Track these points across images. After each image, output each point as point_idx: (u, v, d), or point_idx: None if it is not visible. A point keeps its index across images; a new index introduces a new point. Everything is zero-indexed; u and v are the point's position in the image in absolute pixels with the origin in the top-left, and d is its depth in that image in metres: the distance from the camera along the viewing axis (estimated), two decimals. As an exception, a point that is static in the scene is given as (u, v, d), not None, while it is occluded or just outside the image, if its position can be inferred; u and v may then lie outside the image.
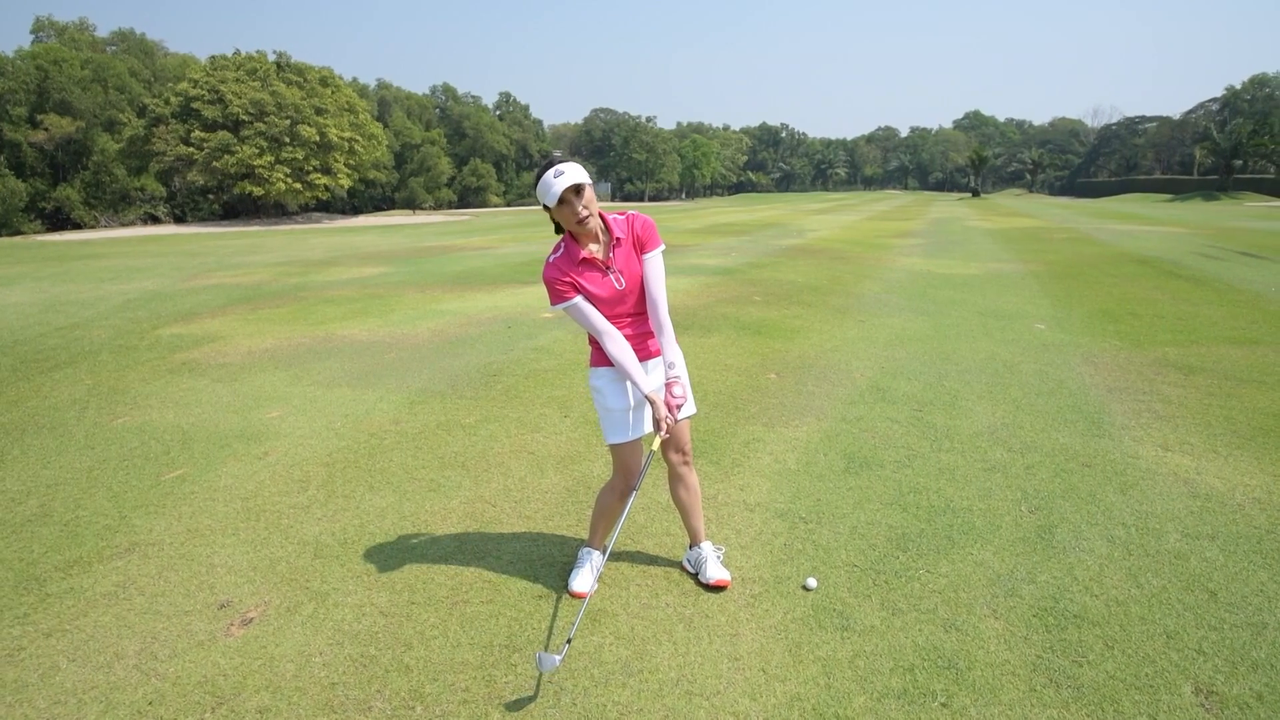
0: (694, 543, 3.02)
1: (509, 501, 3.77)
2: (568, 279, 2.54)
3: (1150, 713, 2.22)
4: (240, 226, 39.03)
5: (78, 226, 39.22)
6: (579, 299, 2.56)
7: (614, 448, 2.78)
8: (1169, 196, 67.14)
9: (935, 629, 2.64)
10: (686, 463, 2.87)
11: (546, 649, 2.54)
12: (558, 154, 2.44)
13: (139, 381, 6.21)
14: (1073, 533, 3.34)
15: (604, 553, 2.84)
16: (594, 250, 2.55)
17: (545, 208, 2.47)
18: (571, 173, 2.37)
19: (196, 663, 2.50)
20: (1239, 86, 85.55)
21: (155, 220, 42.92)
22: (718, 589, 2.90)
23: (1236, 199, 59.99)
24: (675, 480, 2.91)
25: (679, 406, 2.64)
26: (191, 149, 38.99)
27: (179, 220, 44.30)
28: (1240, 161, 68.49)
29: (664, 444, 2.86)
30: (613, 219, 2.57)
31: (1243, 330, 7.78)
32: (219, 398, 5.68)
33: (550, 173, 2.37)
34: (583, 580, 2.91)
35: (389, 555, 3.22)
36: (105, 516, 3.65)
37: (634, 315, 2.69)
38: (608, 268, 2.56)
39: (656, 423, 2.62)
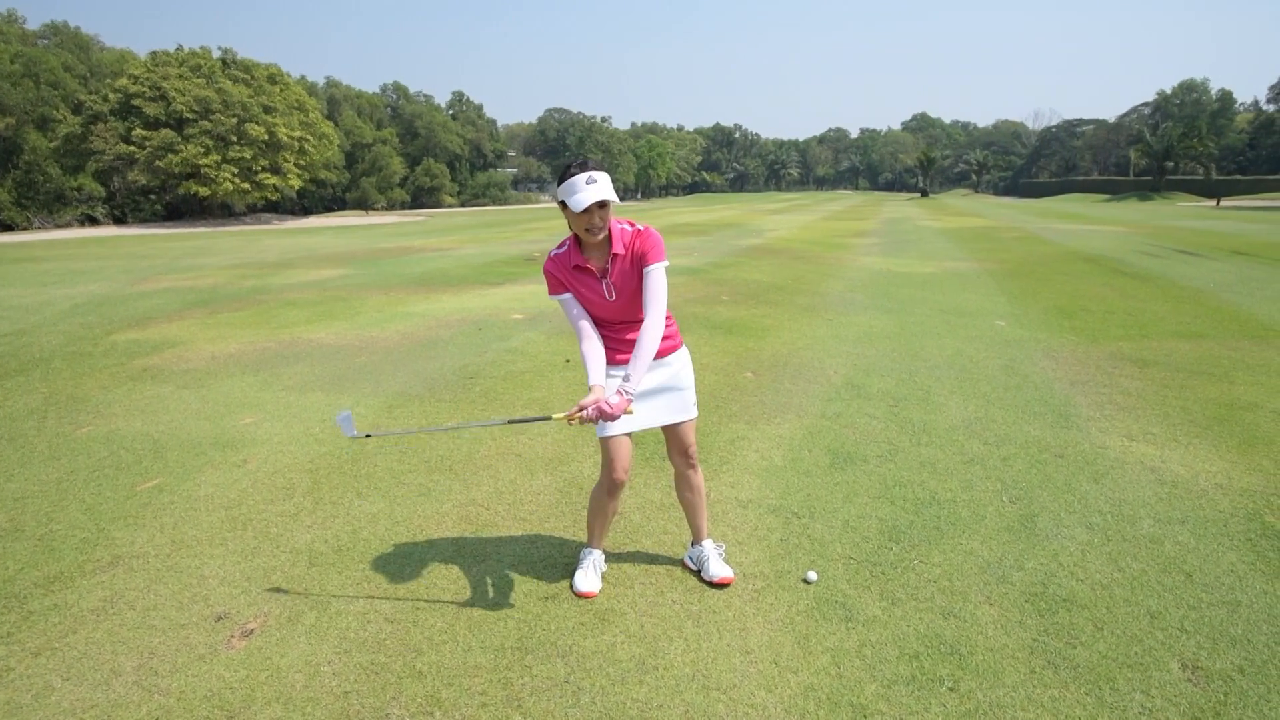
0: (696, 540, 3.06)
1: (502, 504, 3.75)
2: (559, 275, 2.64)
3: (1143, 689, 2.33)
4: (186, 228, 37.73)
5: (9, 228, 37.36)
6: (569, 295, 2.66)
7: (601, 441, 2.78)
8: (1106, 196, 69.81)
9: (934, 617, 2.73)
10: (692, 465, 2.91)
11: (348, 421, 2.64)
12: (592, 159, 2.42)
13: (99, 389, 5.99)
14: (1053, 521, 3.48)
15: (603, 550, 2.85)
16: (594, 257, 2.58)
17: (561, 204, 2.48)
18: (603, 185, 2.38)
19: (200, 676, 2.44)
20: (1169, 91, 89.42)
21: (93, 221, 41.08)
22: (721, 586, 2.94)
23: (1169, 199, 62.70)
24: (681, 481, 2.94)
25: (610, 417, 2.44)
26: (133, 147, 37.51)
27: (119, 221, 42.49)
28: (1172, 163, 71.52)
29: (669, 448, 2.90)
30: (619, 231, 2.56)
31: (1188, 325, 8.16)
32: (187, 404, 5.52)
33: (582, 177, 2.36)
34: (587, 580, 2.92)
35: (387, 561, 3.18)
36: (82, 530, 3.52)
37: (627, 325, 2.70)
38: (602, 276, 2.58)
39: (583, 406, 2.44)
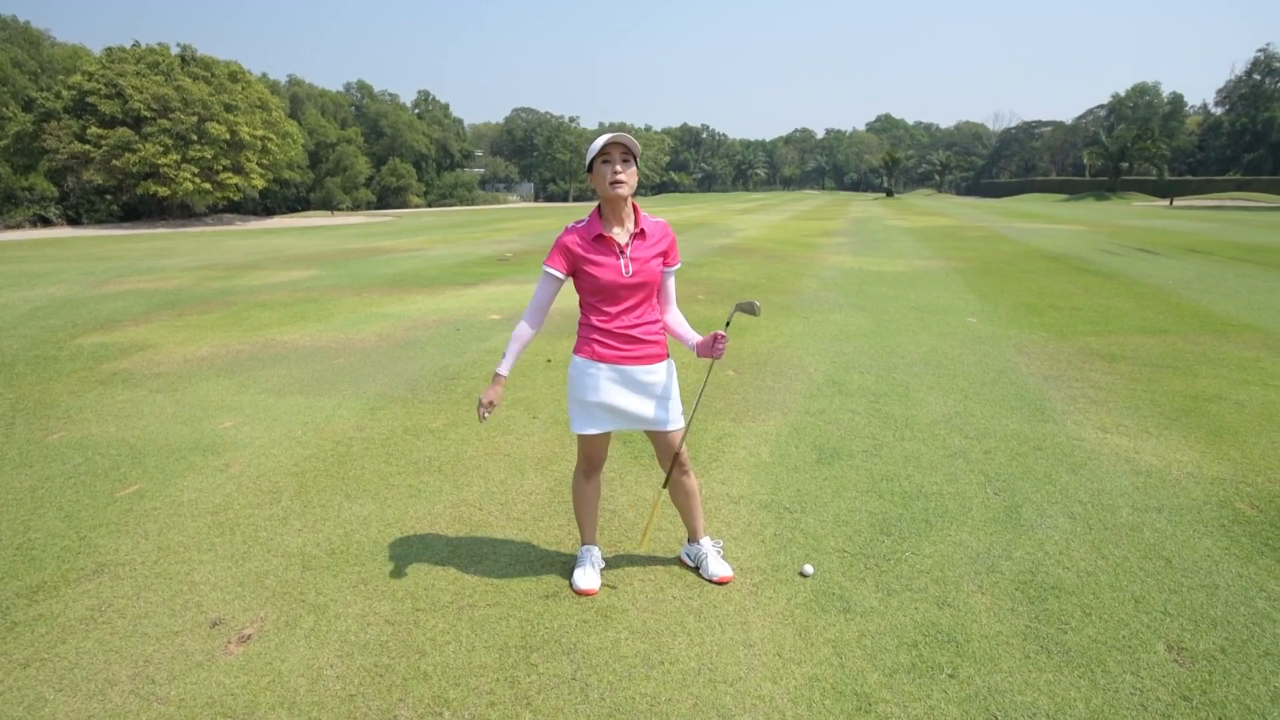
0: (693, 539, 3.08)
1: (494, 504, 3.74)
2: (574, 248, 2.60)
3: (1133, 670, 2.42)
4: (145, 229, 36.74)
5: (-44, 229, 36.06)
6: (556, 274, 2.62)
7: (579, 438, 2.86)
8: (1065, 196, 71.55)
9: (929, 606, 2.79)
10: (684, 471, 2.91)
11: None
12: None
13: (67, 394, 5.82)
14: (1037, 511, 3.58)
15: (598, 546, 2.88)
16: (616, 233, 2.60)
17: (589, 170, 2.56)
18: (626, 140, 2.48)
19: (199, 684, 2.40)
20: (1123, 94, 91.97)
21: (46, 222, 39.75)
22: (721, 584, 2.97)
23: (1125, 199, 64.46)
24: (674, 485, 2.94)
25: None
26: (88, 146, 36.41)
27: (73, 222, 41.17)
28: (1127, 164, 73.51)
29: (658, 454, 2.92)
30: (645, 215, 2.68)
31: (1151, 320, 8.42)
32: (162, 409, 5.39)
33: (605, 134, 2.47)
34: (587, 578, 2.93)
35: (382, 563, 3.15)
36: (62, 538, 3.43)
37: (634, 309, 2.68)
38: (622, 251, 2.59)
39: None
